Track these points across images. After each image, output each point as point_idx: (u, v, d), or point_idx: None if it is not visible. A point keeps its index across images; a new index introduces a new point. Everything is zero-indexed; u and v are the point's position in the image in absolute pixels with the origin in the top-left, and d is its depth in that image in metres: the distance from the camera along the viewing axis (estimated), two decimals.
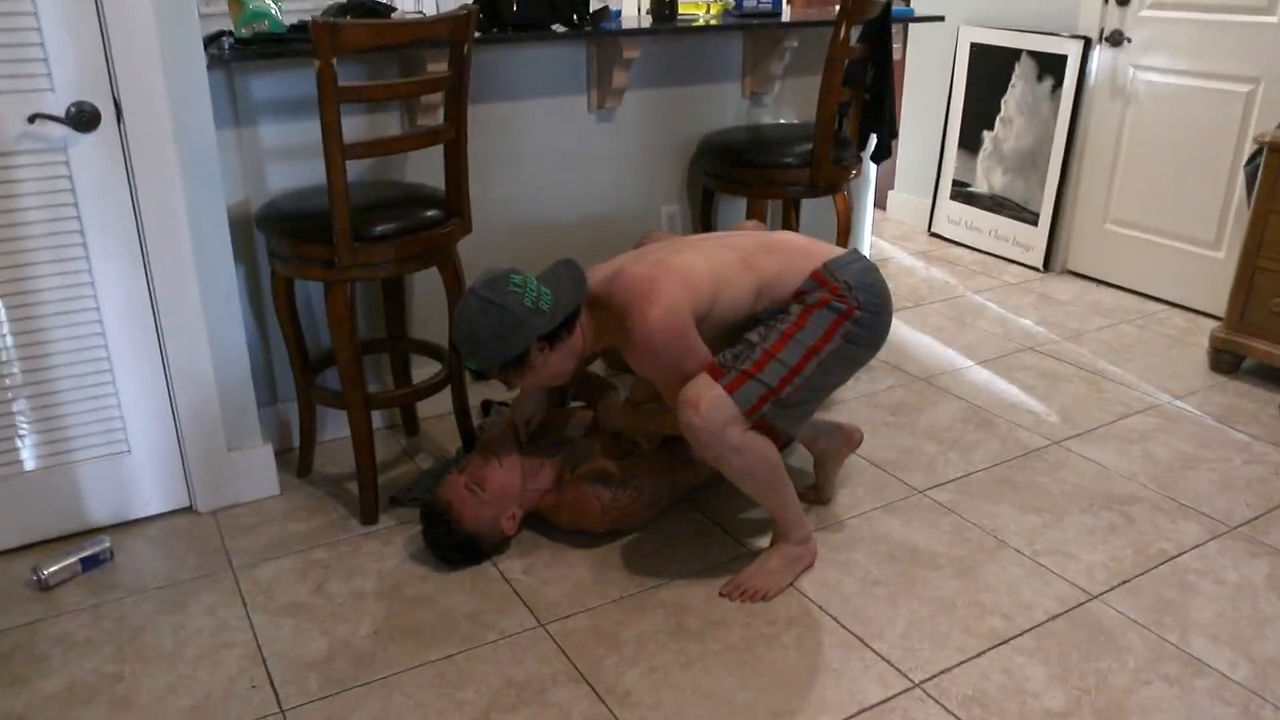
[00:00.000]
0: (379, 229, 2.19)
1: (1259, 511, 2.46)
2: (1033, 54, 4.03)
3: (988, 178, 4.32)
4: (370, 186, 2.43)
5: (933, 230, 4.67)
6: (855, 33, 2.81)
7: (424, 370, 2.88)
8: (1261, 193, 2.99)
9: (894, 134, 2.98)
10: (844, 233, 2.95)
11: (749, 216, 3.16)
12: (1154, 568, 2.24)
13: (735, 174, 2.90)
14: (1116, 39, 3.73)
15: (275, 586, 2.17)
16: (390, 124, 2.64)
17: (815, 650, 1.97)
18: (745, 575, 2.15)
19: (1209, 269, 3.62)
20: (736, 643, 1.99)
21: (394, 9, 2.52)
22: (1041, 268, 4.16)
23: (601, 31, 2.67)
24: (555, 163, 2.91)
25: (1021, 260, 4.25)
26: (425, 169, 2.70)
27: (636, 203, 3.08)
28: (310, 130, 2.51)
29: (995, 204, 4.30)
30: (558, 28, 2.66)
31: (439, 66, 2.51)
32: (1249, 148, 3.38)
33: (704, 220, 3.13)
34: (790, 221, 3.26)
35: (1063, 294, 3.97)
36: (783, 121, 3.27)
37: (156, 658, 1.95)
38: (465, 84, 2.24)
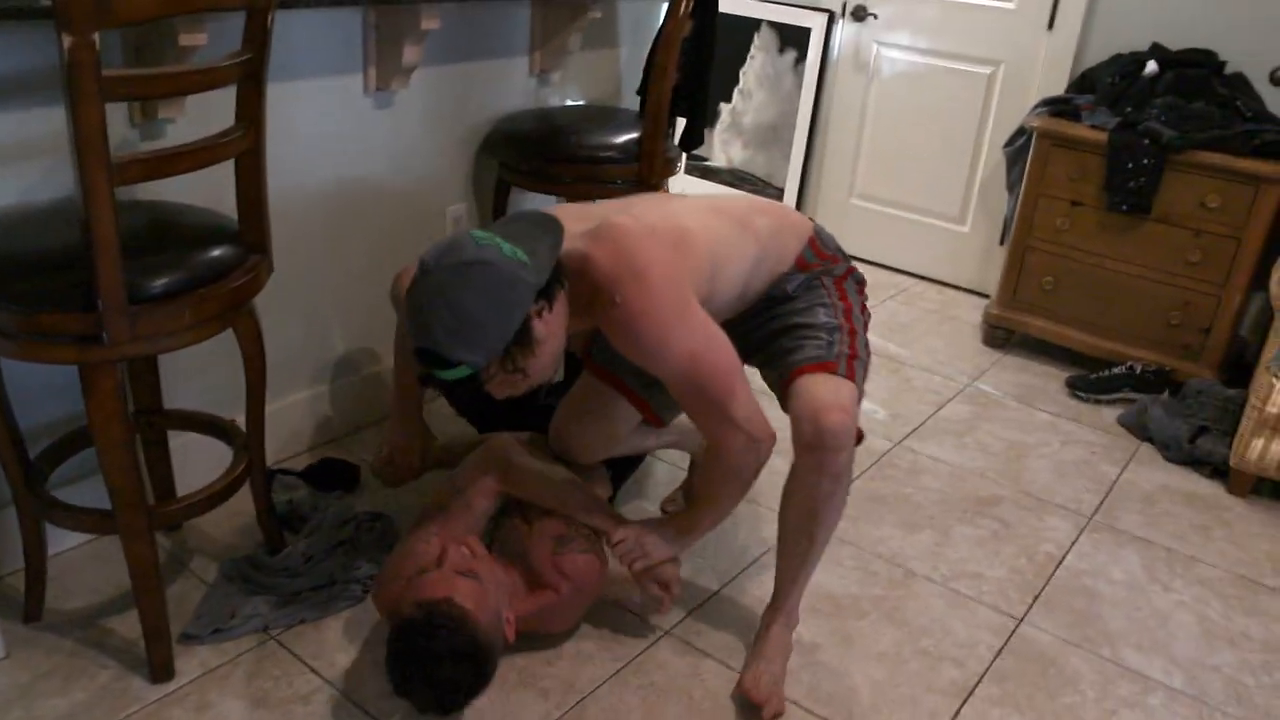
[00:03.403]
0: (162, 282, 1.54)
1: (1099, 495, 2.55)
2: (773, 25, 3.93)
3: (726, 151, 4.19)
4: (122, 211, 1.69)
5: None
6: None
7: (182, 450, 2.14)
8: (1031, 178, 3.10)
9: (705, 117, 2.70)
10: None
11: None
12: (1051, 575, 2.22)
13: (546, 169, 2.46)
14: (860, 14, 3.73)
15: None
16: (114, 121, 1.87)
17: None
18: (761, 689, 1.74)
19: (955, 243, 3.77)
20: None
21: None
22: None
23: None
24: (321, 157, 2.27)
25: None
26: (175, 183, 1.95)
27: (418, 201, 2.53)
28: (21, 123, 1.72)
29: (735, 179, 4.19)
30: None
31: (195, 39, 1.81)
32: (993, 128, 3.52)
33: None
34: None
35: None
36: (569, 104, 2.86)
37: None
38: (265, 69, 1.62)
